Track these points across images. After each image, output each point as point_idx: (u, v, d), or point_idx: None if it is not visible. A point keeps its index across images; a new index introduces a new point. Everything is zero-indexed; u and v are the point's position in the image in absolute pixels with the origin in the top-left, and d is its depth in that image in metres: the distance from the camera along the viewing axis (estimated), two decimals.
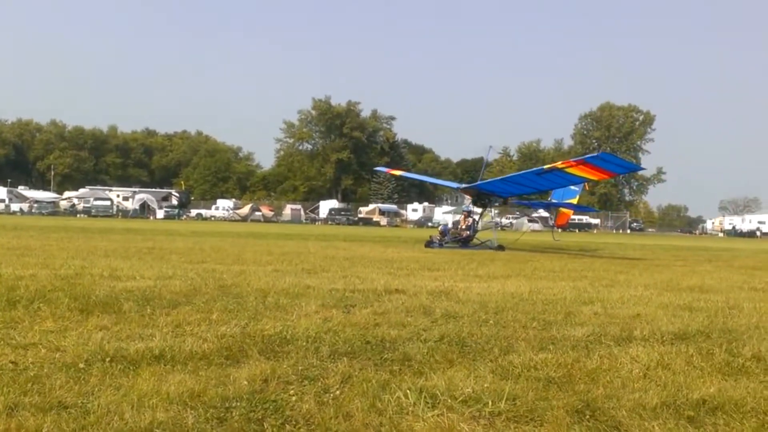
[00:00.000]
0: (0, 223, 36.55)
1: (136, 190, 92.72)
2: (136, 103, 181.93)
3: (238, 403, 3.61)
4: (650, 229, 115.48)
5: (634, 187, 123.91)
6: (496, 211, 30.67)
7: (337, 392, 3.88)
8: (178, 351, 4.71)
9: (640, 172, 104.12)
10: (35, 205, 78.10)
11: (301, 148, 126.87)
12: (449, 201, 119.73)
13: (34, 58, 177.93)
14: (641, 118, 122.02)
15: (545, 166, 20.80)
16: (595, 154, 18.28)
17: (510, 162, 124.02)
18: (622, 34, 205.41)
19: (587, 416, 3.63)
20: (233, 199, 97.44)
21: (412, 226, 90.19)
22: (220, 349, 4.86)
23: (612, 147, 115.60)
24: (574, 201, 27.51)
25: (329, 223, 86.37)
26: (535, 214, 74.03)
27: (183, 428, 3.22)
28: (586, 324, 6.60)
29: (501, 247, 23.27)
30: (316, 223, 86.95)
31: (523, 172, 22.78)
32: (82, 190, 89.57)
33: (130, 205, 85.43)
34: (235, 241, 22.86)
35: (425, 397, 3.77)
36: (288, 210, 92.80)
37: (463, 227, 25.36)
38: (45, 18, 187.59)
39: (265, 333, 5.45)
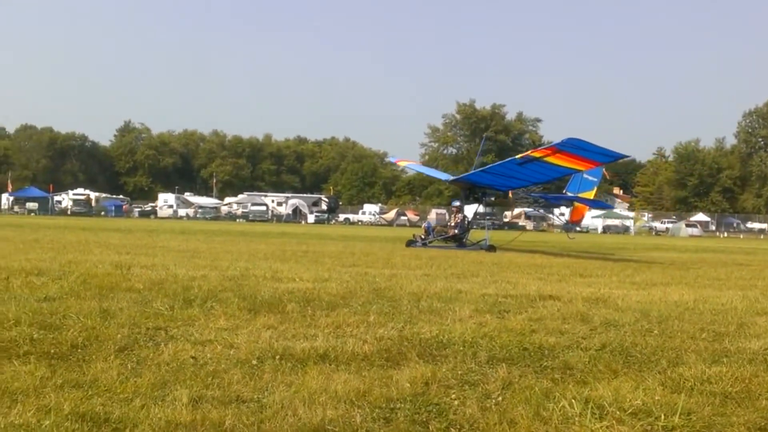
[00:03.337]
0: (170, 227, 39.64)
1: (289, 195, 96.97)
2: (289, 111, 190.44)
3: (402, 405, 3.69)
4: None
5: None
6: (489, 209, 26.80)
7: (499, 398, 3.86)
8: (341, 351, 4.89)
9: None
10: (199, 210, 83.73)
11: (445, 152, 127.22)
12: None
13: (196, 74, 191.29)
14: None
15: (518, 155, 19.48)
16: (563, 140, 16.90)
17: (665, 163, 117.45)
18: None
19: None
20: (379, 204, 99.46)
21: (559, 230, 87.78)
22: (380, 351, 4.99)
23: None
24: (590, 195, 24.80)
25: (474, 227, 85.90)
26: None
27: (352, 426, 3.33)
28: (763, 336, 6.13)
29: (492, 248, 21.57)
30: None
31: (503, 161, 21.08)
32: (240, 196, 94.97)
33: (284, 210, 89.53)
34: (383, 245, 23.33)
35: (592, 407, 3.66)
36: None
37: (452, 224, 23.84)
38: (209, 38, 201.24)
39: (422, 336, 5.53)
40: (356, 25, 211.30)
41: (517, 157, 19.41)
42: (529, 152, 18.99)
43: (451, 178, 26.12)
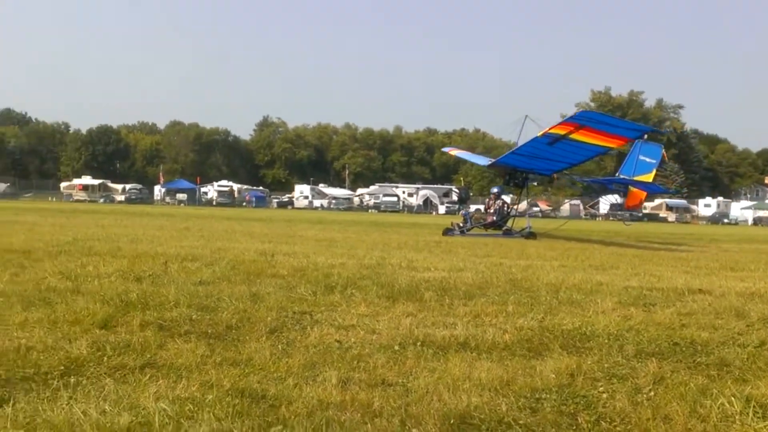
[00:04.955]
0: (306, 217, 41.12)
1: (420, 186, 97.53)
2: (419, 103, 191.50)
3: (548, 395, 3.64)
4: None
5: None
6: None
7: (651, 393, 3.72)
8: (481, 340, 4.88)
9: None
10: (333, 201, 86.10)
11: None
12: (748, 195, 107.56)
13: (328, 70, 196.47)
14: None
15: (540, 133, 17.97)
16: (576, 113, 15.80)
17: None
18: None
19: None
20: (510, 195, 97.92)
21: (704, 222, 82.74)
22: (521, 341, 4.94)
23: None
24: (648, 177, 22.25)
25: (610, 218, 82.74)
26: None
27: (497, 414, 3.33)
28: None
29: (532, 235, 20.36)
30: (597, 219, 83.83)
31: (530, 140, 19.31)
32: (372, 187, 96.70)
33: (414, 201, 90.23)
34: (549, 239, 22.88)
35: (754, 406, 3.44)
36: (566, 205, 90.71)
37: (491, 211, 22.50)
38: (340, 35, 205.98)
39: (564, 328, 5.42)
40: (481, 19, 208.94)
41: (538, 135, 18.44)
42: (548, 129, 17.86)
43: (489, 163, 24.97)
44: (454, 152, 40.68)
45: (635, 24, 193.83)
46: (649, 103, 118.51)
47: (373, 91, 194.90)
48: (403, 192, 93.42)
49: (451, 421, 3.20)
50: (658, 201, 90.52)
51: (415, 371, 4.03)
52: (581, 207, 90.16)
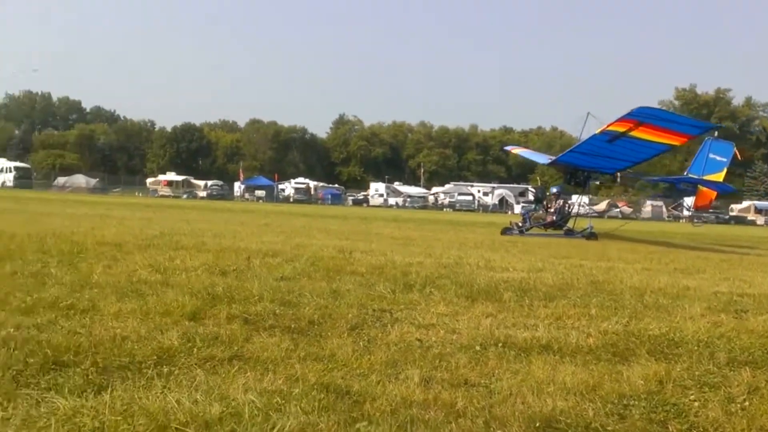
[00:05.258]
0: (381, 215, 41.37)
1: (495, 185, 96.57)
2: (495, 101, 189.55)
3: (636, 402, 3.55)
4: None
5: None
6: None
7: (746, 403, 3.57)
8: (564, 343, 4.80)
9: None
10: (408, 199, 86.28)
11: None
12: None
13: (402, 68, 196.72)
14: None
15: (598, 130, 17.41)
16: (632, 110, 15.25)
17: None
18: None
19: None
20: (589, 195, 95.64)
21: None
22: (605, 345, 4.83)
23: None
24: (719, 177, 21.14)
25: (695, 221, 79.74)
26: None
27: (584, 419, 3.27)
28: None
29: (593, 236, 19.62)
30: (680, 221, 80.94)
31: (588, 138, 18.63)
32: (447, 186, 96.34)
33: (490, 200, 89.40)
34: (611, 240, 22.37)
35: None
36: (648, 206, 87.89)
37: (551, 211, 21.61)
38: (415, 34, 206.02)
39: (651, 333, 5.26)
40: (556, 16, 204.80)
41: (596, 132, 17.94)
42: (606, 126, 17.39)
43: (549, 161, 24.27)
44: (516, 151, 40.22)
45: (722, 20, 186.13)
46: (737, 101, 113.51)
47: (449, 89, 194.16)
48: (478, 191, 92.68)
49: (537, 425, 3.17)
50: (746, 203, 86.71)
51: (497, 372, 4.00)
52: (664, 208, 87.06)
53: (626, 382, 3.88)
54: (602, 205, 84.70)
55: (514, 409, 3.33)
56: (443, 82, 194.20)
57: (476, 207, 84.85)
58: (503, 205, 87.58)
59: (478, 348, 4.59)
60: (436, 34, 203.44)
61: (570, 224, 21.99)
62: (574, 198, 23.31)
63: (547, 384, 3.76)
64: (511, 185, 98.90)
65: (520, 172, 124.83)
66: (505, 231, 21.24)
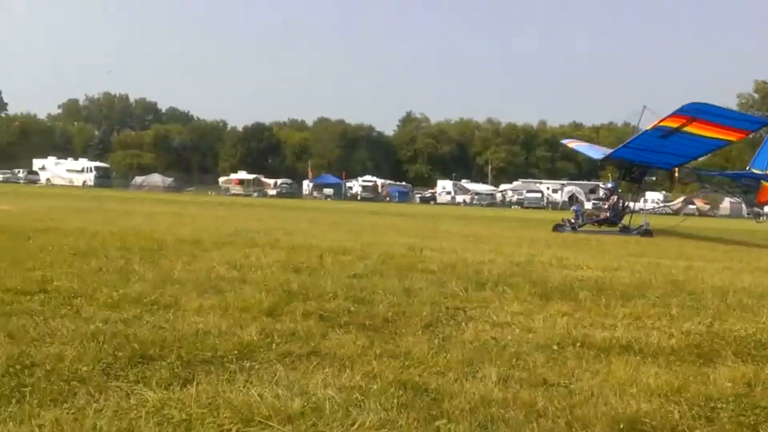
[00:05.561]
0: (449, 212, 41.27)
1: (565, 182, 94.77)
2: (565, 97, 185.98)
3: (724, 405, 3.43)
4: None
5: None
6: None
7: None
8: (645, 344, 4.69)
9: None
10: (475, 196, 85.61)
11: None
12: None
13: (469, 64, 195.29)
14: None
15: (650, 126, 17.24)
16: (683, 106, 15.14)
17: None
18: None
19: None
20: (663, 192, 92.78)
21: None
22: (689, 346, 4.69)
23: None
24: None
25: (759, 218, 76.31)
26: None
27: (670, 422, 3.18)
28: None
29: (648, 233, 19.04)
30: (761, 219, 77.62)
31: (641, 133, 18.37)
32: (515, 183, 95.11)
33: (559, 197, 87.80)
34: (667, 236, 21.71)
35: None
36: (726, 203, 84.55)
37: (604, 207, 21.02)
38: (479, 30, 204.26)
39: (736, 334, 5.08)
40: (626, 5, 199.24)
41: (648, 128, 17.66)
42: (657, 121, 17.07)
43: (603, 156, 23.73)
44: (573, 145, 39.39)
45: None
46: None
47: (516, 84, 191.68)
48: (547, 188, 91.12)
49: (621, 426, 3.10)
50: None
51: (577, 373, 3.93)
52: (743, 205, 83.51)
53: (713, 384, 3.76)
54: (678, 202, 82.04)
55: (597, 411, 3.26)
56: (510, 78, 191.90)
57: (545, 204, 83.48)
58: (573, 202, 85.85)
59: (555, 347, 4.52)
60: (502, 29, 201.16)
61: (626, 221, 21.53)
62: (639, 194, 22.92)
63: (630, 385, 3.68)
64: (582, 182, 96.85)
65: (590, 168, 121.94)
66: (557, 228, 20.92)
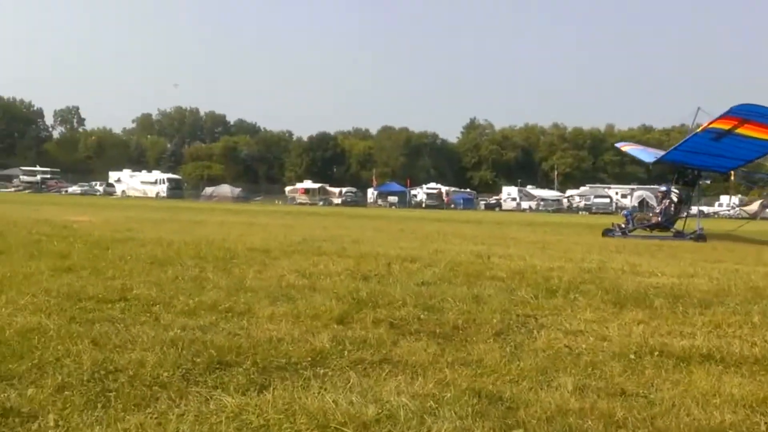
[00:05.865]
0: (516, 219, 40.77)
1: (634, 187, 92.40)
2: (633, 99, 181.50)
3: None
4: None
5: None
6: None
7: None
8: (727, 353, 4.53)
9: None
10: (542, 202, 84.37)
11: None
12: None
13: (533, 69, 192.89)
14: None
15: (699, 128, 16.85)
16: (731, 108, 14.70)
17: None
18: None
19: None
20: (739, 195, 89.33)
21: None
22: None
23: None
24: None
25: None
26: None
27: None
28: None
29: (702, 237, 18.21)
30: None
31: (690, 136, 17.80)
32: (582, 188, 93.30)
33: (629, 202, 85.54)
34: (744, 241, 20.88)
35: None
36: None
37: (657, 211, 20.29)
38: (540, 36, 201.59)
39: None
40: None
41: (698, 130, 17.20)
42: (707, 123, 16.55)
43: (654, 159, 23.05)
44: (626, 148, 38.54)
45: None
46: None
47: (582, 88, 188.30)
48: (616, 193, 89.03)
49: None
50: None
51: (656, 382, 3.83)
52: None
53: None
54: (754, 206, 78.76)
55: (679, 422, 3.17)
56: (575, 83, 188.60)
57: (614, 209, 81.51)
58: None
59: (632, 356, 4.42)
60: (563, 34, 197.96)
61: (679, 225, 20.84)
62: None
63: (712, 395, 3.56)
64: (652, 186, 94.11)
65: (661, 172, 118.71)
66: (607, 232, 20.41)
